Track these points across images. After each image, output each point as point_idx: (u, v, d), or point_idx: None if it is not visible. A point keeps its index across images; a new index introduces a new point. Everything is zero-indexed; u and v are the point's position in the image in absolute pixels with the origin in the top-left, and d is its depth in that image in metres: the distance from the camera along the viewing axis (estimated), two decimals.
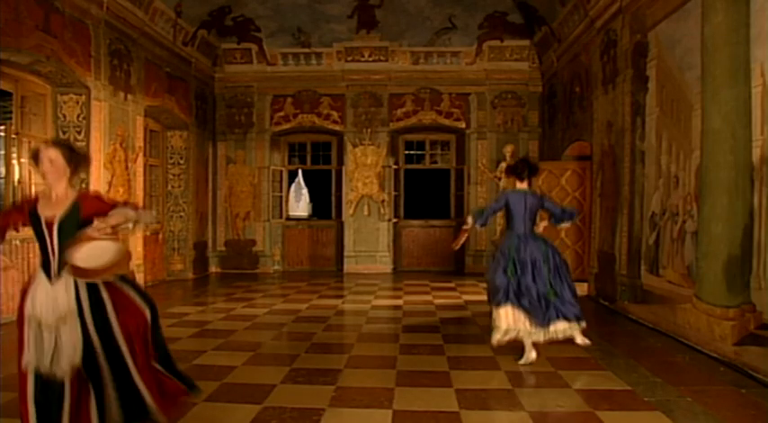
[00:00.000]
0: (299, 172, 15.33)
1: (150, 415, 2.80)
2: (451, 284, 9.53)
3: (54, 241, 2.80)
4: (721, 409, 3.55)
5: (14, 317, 2.89)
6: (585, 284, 7.88)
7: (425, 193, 13.07)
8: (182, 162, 10.22)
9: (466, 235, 5.08)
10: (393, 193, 11.57)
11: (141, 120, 8.49)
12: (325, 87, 11.34)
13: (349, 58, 11.17)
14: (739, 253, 4.41)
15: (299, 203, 17.78)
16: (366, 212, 11.31)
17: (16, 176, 6.54)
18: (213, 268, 11.34)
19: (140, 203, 8.28)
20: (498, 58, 11.06)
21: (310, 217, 15.09)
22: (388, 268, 11.37)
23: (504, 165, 10.50)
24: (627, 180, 6.82)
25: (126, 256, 2.85)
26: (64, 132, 7.04)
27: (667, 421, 3.34)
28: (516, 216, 4.79)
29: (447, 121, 11.33)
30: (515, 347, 4.91)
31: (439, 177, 12.59)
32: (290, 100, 11.40)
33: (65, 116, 7.10)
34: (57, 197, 2.87)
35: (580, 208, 8.60)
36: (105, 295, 2.78)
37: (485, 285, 5.31)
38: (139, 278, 8.17)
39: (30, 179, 6.60)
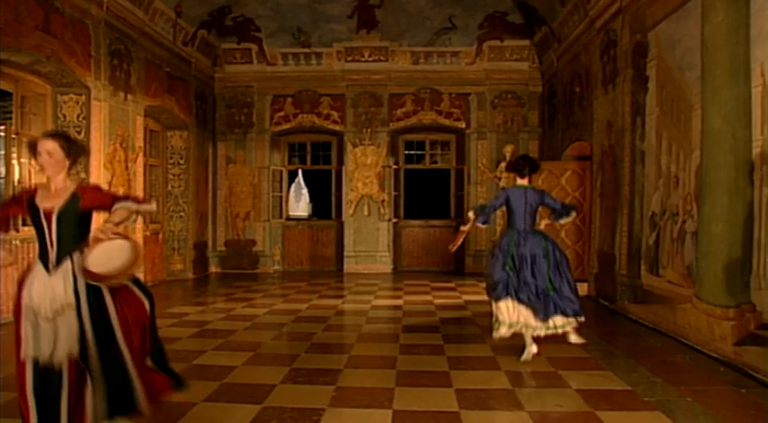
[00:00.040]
0: (299, 172, 15.32)
1: (137, 408, 2.79)
2: (451, 284, 9.53)
3: (52, 233, 2.79)
4: (721, 409, 3.55)
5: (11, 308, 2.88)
6: (585, 284, 7.88)
7: (425, 193, 13.07)
8: (182, 162, 10.22)
9: (463, 237, 5.07)
10: (393, 193, 11.57)
11: (141, 120, 8.49)
12: (325, 87, 11.34)
13: (349, 58, 11.17)
14: (739, 253, 4.41)
15: (299, 203, 17.78)
16: (366, 212, 11.31)
17: (16, 176, 6.54)
18: (213, 268, 11.34)
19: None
20: (498, 58, 11.06)
21: (310, 217, 15.10)
22: (388, 268, 11.37)
23: (504, 165, 10.51)
24: (627, 180, 6.82)
25: (139, 253, 2.84)
26: None
27: (667, 421, 3.34)
28: (517, 212, 4.81)
29: (447, 121, 11.33)
30: (515, 347, 4.91)
31: (439, 177, 12.59)
32: (290, 100, 11.40)
33: (65, 116, 7.10)
34: (56, 189, 2.86)
35: (580, 208, 8.60)
36: (104, 287, 2.77)
37: (484, 285, 5.32)
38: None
39: (30, 179, 6.60)
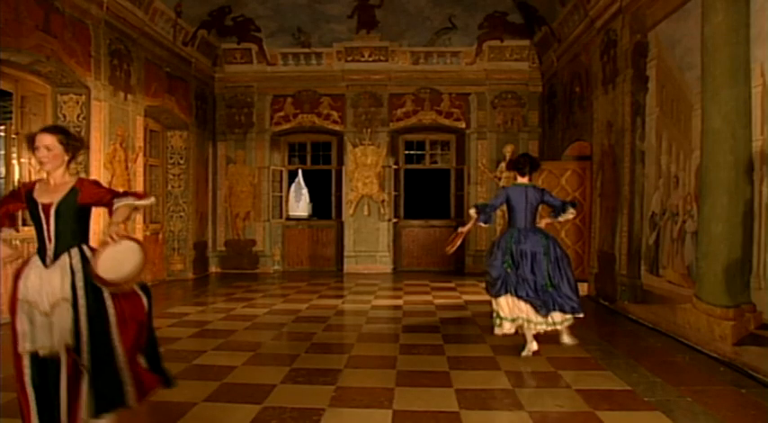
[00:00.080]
0: (299, 172, 15.32)
1: (126, 403, 2.78)
2: (451, 284, 9.53)
3: (50, 227, 2.78)
4: (721, 409, 3.55)
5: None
6: (585, 284, 7.88)
7: (425, 193, 13.07)
8: (182, 162, 10.22)
9: (461, 238, 5.08)
10: (393, 193, 11.57)
11: (141, 120, 8.49)
12: (325, 87, 11.34)
13: (349, 58, 11.17)
14: (739, 253, 4.41)
15: (299, 203, 17.78)
16: (366, 212, 11.31)
17: (16, 176, 6.54)
18: (213, 268, 11.34)
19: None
20: (498, 58, 11.06)
21: (310, 217, 15.10)
22: (388, 268, 11.37)
23: (504, 165, 10.52)
24: (627, 180, 6.82)
25: (147, 255, 2.83)
26: None
27: (667, 421, 3.34)
28: (517, 210, 4.82)
29: (447, 121, 11.33)
30: (515, 347, 4.92)
31: (439, 177, 12.59)
32: (290, 100, 11.40)
33: (65, 116, 7.10)
34: (55, 183, 2.85)
35: (580, 208, 8.59)
36: (92, 272, 2.75)
37: (484, 285, 5.33)
38: None
39: (30, 178, 6.60)
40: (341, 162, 11.62)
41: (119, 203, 2.86)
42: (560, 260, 4.70)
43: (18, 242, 6.04)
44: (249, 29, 10.92)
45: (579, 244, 9.01)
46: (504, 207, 4.97)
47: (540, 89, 11.04)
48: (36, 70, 6.59)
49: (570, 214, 4.91)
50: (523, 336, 4.84)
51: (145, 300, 2.89)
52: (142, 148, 8.59)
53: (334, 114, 11.36)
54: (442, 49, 11.15)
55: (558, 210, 4.92)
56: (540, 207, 4.91)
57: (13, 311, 2.75)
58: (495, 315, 4.84)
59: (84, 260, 2.79)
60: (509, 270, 4.68)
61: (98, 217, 3.02)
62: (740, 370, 4.29)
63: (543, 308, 4.60)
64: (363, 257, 11.32)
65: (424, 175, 12.90)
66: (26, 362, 2.71)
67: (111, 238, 2.70)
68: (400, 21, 10.85)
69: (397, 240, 11.71)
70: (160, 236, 9.84)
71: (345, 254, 11.38)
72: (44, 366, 2.71)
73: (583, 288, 6.32)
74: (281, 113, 11.42)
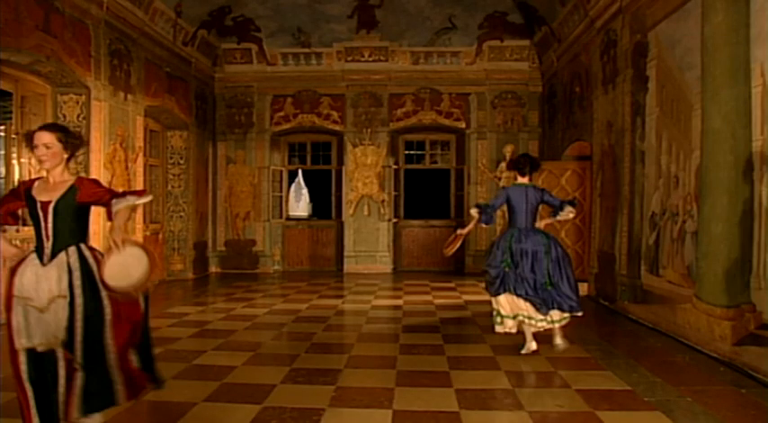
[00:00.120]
0: (299, 172, 15.32)
1: (115, 402, 2.77)
2: (451, 284, 9.53)
3: (48, 225, 2.78)
4: (721, 409, 3.55)
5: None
6: (585, 284, 7.88)
7: (425, 193, 13.07)
8: (182, 162, 10.22)
9: (461, 240, 5.08)
10: (393, 193, 11.57)
11: (141, 120, 8.49)
12: (325, 87, 11.34)
13: (349, 58, 11.17)
14: (739, 253, 4.41)
15: (299, 203, 17.78)
16: (366, 212, 11.31)
17: (16, 176, 6.54)
18: (213, 268, 11.34)
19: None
20: (498, 58, 11.06)
21: (310, 217, 15.10)
22: (388, 268, 11.37)
23: (503, 165, 10.52)
24: (627, 180, 6.82)
25: (155, 260, 2.83)
26: None
27: (667, 421, 3.34)
28: (518, 210, 4.83)
29: (447, 121, 11.33)
30: (515, 347, 4.92)
31: (439, 177, 12.59)
32: (290, 100, 11.40)
33: (65, 116, 7.09)
34: (54, 182, 2.85)
35: (580, 208, 8.59)
36: (98, 278, 2.76)
37: (484, 285, 5.34)
38: None
39: (30, 178, 6.60)
40: (341, 162, 11.62)
41: (118, 206, 2.85)
42: (561, 259, 4.71)
43: (18, 242, 6.04)
44: (249, 29, 10.92)
45: (579, 244, 9.01)
46: (505, 207, 4.97)
47: (540, 89, 11.04)
48: (36, 70, 6.59)
49: (570, 213, 4.91)
50: (523, 334, 4.85)
51: (142, 301, 2.89)
52: (142, 148, 8.59)
53: (334, 114, 11.36)
54: (442, 49, 11.15)
55: (557, 208, 4.94)
56: (540, 207, 4.92)
57: (8, 308, 2.74)
58: (495, 314, 4.86)
59: (82, 259, 2.78)
60: (507, 269, 4.70)
61: (98, 216, 3.01)
62: (740, 370, 4.29)
63: (543, 306, 4.63)
64: (363, 257, 11.32)
65: (424, 175, 12.90)
66: (22, 358, 2.71)
67: (116, 244, 2.70)
68: (400, 21, 10.85)
69: (397, 240, 11.71)
70: (160, 236, 9.84)
71: (345, 254, 11.38)
72: (40, 362, 2.71)
73: (583, 288, 6.33)
74: (281, 113, 11.42)
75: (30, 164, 6.53)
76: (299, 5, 10.55)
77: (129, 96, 8.07)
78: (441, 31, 10.96)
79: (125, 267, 2.69)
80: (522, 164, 4.94)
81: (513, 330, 4.82)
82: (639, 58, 6.47)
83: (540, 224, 4.98)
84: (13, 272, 2.78)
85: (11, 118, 6.58)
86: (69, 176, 2.89)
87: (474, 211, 4.99)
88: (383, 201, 11.32)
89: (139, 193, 2.97)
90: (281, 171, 11.95)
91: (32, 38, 6.11)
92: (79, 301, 2.71)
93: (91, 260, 2.81)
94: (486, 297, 5.14)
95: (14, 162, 6.54)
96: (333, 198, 12.16)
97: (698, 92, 5.11)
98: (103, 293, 2.75)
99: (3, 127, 6.68)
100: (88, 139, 7.12)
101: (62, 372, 2.71)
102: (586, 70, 8.40)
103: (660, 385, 4.00)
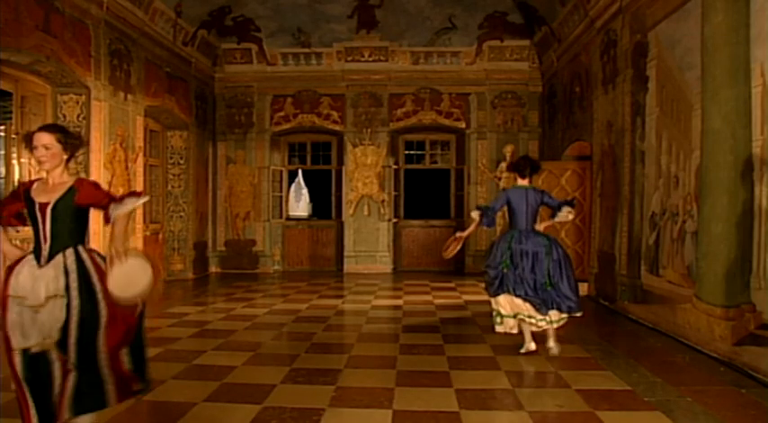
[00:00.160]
0: (299, 172, 15.32)
1: (105, 404, 2.77)
2: (451, 284, 9.53)
3: (46, 226, 2.77)
4: (721, 409, 3.55)
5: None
6: (585, 284, 7.88)
7: (425, 193, 13.07)
8: (182, 162, 10.22)
9: (460, 244, 5.09)
10: (393, 193, 11.57)
11: (141, 120, 8.49)
12: (325, 87, 11.34)
13: (349, 58, 11.17)
14: (739, 253, 4.41)
15: (299, 203, 17.77)
16: (366, 212, 11.31)
17: (16, 176, 6.54)
18: (213, 268, 11.34)
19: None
20: (498, 58, 11.06)
21: (310, 217, 15.09)
22: (388, 268, 11.37)
23: (504, 165, 10.52)
24: (627, 180, 6.82)
25: (157, 270, 2.86)
26: None
27: (667, 421, 3.34)
28: (518, 212, 4.84)
29: (447, 121, 11.33)
30: (515, 347, 4.92)
31: (439, 177, 12.59)
32: (290, 100, 11.40)
33: (65, 116, 7.09)
34: (53, 183, 2.84)
35: (580, 208, 8.60)
36: (95, 280, 2.75)
37: (484, 285, 5.34)
38: None
39: (30, 179, 6.60)
40: (341, 162, 11.62)
41: (117, 211, 2.84)
42: (562, 260, 4.72)
43: (18, 242, 6.03)
44: (249, 29, 10.93)
45: (579, 244, 9.01)
46: (505, 208, 4.98)
47: (540, 89, 11.04)
48: (36, 70, 6.59)
49: (568, 214, 4.91)
50: (521, 333, 4.86)
51: (140, 302, 2.88)
52: (142, 148, 8.59)
53: (334, 114, 11.36)
54: (442, 49, 11.15)
55: (556, 209, 4.95)
56: (540, 209, 4.93)
57: (3, 307, 2.73)
58: (495, 314, 4.87)
59: (79, 261, 2.77)
60: (506, 270, 4.71)
61: (97, 217, 3.00)
62: (740, 370, 4.30)
63: (543, 306, 4.64)
64: (363, 257, 11.32)
65: (424, 175, 12.90)
66: (18, 358, 2.70)
67: (118, 256, 2.70)
68: (400, 21, 10.85)
69: (397, 240, 11.71)
70: (160, 236, 9.83)
71: (345, 254, 11.38)
72: (35, 362, 2.70)
73: (583, 288, 6.33)
74: (281, 113, 11.42)
75: (30, 164, 6.52)
76: (299, 5, 10.55)
77: (129, 96, 8.07)
78: (441, 31, 10.96)
79: (130, 278, 2.71)
80: (523, 166, 4.95)
81: (514, 330, 4.83)
82: (639, 58, 6.47)
83: (540, 227, 4.99)
84: (9, 272, 2.77)
85: (11, 118, 6.58)
86: (69, 178, 2.88)
87: (475, 214, 5.00)
88: (383, 201, 11.32)
89: (137, 196, 2.97)
90: (281, 171, 11.94)
91: (32, 38, 6.11)
92: (75, 302, 2.70)
93: (88, 262, 2.80)
94: (487, 297, 5.15)
95: (14, 162, 6.54)
96: (333, 198, 12.16)
97: (698, 92, 5.11)
98: (100, 296, 2.74)
99: (3, 127, 6.68)
100: (88, 139, 7.11)
101: (57, 372, 2.71)
102: (586, 70, 8.40)
103: (660, 385, 4.00)
